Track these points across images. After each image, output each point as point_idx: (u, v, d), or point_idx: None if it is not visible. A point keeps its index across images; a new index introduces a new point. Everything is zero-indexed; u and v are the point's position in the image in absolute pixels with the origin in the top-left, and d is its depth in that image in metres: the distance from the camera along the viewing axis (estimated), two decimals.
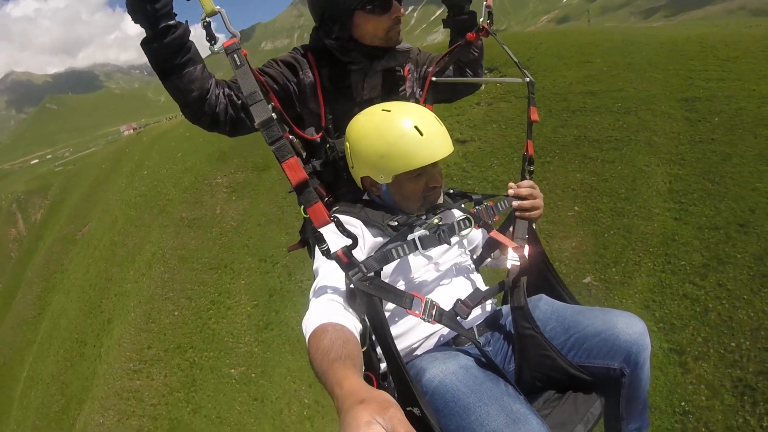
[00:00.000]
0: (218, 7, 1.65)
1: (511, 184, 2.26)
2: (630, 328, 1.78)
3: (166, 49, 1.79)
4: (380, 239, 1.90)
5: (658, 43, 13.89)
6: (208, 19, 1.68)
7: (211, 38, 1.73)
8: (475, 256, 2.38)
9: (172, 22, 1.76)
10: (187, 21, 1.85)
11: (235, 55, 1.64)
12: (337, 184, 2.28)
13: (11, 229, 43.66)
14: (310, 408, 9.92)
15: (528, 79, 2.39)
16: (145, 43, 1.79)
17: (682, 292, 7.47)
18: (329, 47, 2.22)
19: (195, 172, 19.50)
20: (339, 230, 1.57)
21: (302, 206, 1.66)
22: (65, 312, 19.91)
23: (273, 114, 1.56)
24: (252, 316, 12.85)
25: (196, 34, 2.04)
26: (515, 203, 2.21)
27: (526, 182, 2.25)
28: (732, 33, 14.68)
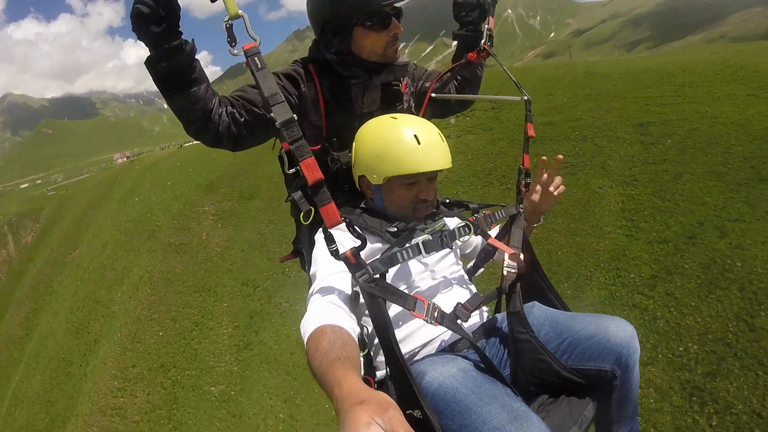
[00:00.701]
0: (241, 11, 1.64)
1: (543, 159, 2.36)
2: (620, 331, 1.82)
3: (171, 69, 1.78)
4: (378, 245, 1.94)
5: (618, 74, 14.33)
6: (231, 22, 1.66)
7: (232, 40, 1.68)
8: (469, 265, 2.47)
9: (177, 42, 1.74)
10: (193, 39, 1.83)
11: (256, 58, 1.65)
12: (335, 195, 2.13)
13: (2, 251, 43.09)
14: (285, 422, 10.20)
15: (526, 98, 2.46)
16: (149, 63, 1.78)
17: (631, 302, 7.65)
18: (330, 61, 2.26)
19: (184, 200, 19.91)
20: (349, 230, 1.61)
21: (301, 213, 1.69)
22: (53, 332, 19.97)
23: (294, 115, 1.57)
24: (233, 336, 13.17)
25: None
26: (553, 179, 2.37)
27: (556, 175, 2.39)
28: (690, 60, 15.18)
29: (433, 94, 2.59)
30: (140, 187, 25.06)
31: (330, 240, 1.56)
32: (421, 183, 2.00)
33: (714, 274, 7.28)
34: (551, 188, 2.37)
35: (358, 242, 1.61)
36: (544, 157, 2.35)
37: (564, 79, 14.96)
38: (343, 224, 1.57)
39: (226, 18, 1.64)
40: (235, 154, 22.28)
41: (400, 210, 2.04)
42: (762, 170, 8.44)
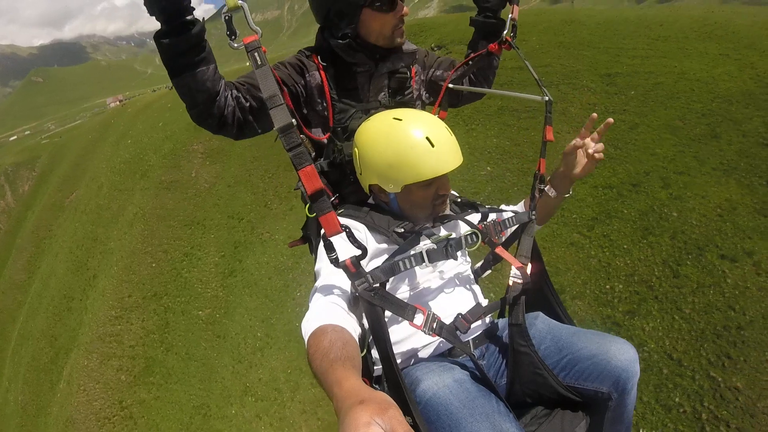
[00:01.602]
0: (241, 1, 1.59)
1: (594, 116, 2.23)
2: (622, 354, 1.79)
3: (181, 46, 1.70)
4: (384, 245, 1.91)
5: (595, 23, 14.06)
6: (229, 13, 1.61)
7: (232, 33, 1.62)
8: (477, 265, 2.40)
9: (189, 18, 1.67)
10: (204, 18, 1.74)
11: (256, 54, 1.58)
12: (343, 184, 2.26)
13: (0, 202, 43.86)
14: (261, 340, 11.08)
15: (547, 98, 2.34)
16: (159, 38, 1.69)
17: (569, 240, 7.84)
18: (335, 48, 2.19)
19: (174, 139, 20.30)
20: (349, 240, 1.55)
21: (307, 206, 1.74)
22: (54, 272, 20.78)
23: (293, 120, 1.49)
24: (219, 265, 14.01)
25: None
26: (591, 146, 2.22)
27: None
28: (670, 14, 14.76)
29: (451, 85, 2.51)
30: (133, 129, 25.32)
31: (330, 248, 1.53)
32: (437, 180, 1.93)
33: (650, 221, 7.52)
34: (591, 150, 2.23)
35: (359, 251, 1.57)
36: (595, 114, 2.23)
37: (540, 26, 14.84)
38: (343, 233, 1.53)
39: (225, 9, 1.61)
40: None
41: (422, 210, 2.00)
42: (717, 128, 8.48)
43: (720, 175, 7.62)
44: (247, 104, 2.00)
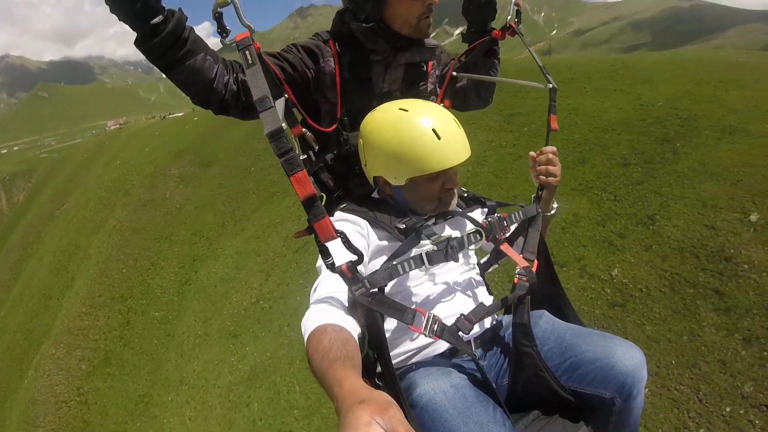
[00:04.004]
0: None
1: (531, 154, 2.24)
2: (628, 359, 1.69)
3: (160, 47, 1.63)
4: (386, 242, 1.84)
5: (515, 70, 15.16)
6: (219, 10, 1.54)
7: (222, 31, 1.56)
8: (483, 259, 2.31)
9: (160, 18, 1.58)
10: (180, 8, 1.66)
11: (247, 52, 1.49)
12: (348, 177, 2.19)
13: None
14: (200, 338, 12.61)
15: (551, 86, 2.27)
16: (137, 43, 1.64)
17: None
18: (355, 32, 2.08)
19: (156, 164, 22.39)
20: (345, 246, 1.47)
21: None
22: (37, 274, 22.47)
23: (283, 124, 1.35)
24: (178, 274, 15.88)
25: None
26: (539, 168, 2.21)
27: (549, 148, 2.21)
28: (590, 60, 15.27)
29: (455, 73, 2.44)
30: (123, 152, 27.51)
31: (325, 254, 1.44)
32: (444, 173, 1.84)
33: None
34: (533, 173, 2.28)
35: (355, 257, 1.50)
36: (532, 153, 2.29)
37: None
38: (338, 239, 1.42)
39: (214, 6, 1.54)
40: (207, 123, 24.78)
41: (428, 203, 1.92)
42: (587, 154, 9.37)
43: (576, 195, 8.42)
44: None
